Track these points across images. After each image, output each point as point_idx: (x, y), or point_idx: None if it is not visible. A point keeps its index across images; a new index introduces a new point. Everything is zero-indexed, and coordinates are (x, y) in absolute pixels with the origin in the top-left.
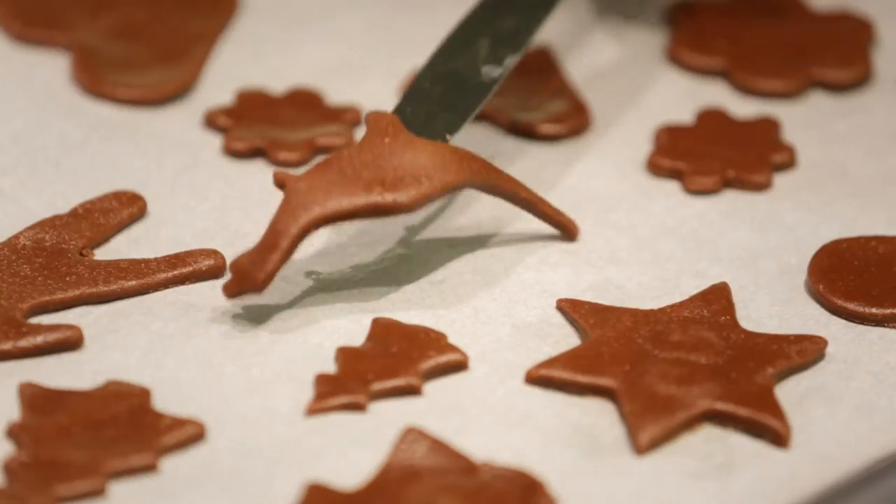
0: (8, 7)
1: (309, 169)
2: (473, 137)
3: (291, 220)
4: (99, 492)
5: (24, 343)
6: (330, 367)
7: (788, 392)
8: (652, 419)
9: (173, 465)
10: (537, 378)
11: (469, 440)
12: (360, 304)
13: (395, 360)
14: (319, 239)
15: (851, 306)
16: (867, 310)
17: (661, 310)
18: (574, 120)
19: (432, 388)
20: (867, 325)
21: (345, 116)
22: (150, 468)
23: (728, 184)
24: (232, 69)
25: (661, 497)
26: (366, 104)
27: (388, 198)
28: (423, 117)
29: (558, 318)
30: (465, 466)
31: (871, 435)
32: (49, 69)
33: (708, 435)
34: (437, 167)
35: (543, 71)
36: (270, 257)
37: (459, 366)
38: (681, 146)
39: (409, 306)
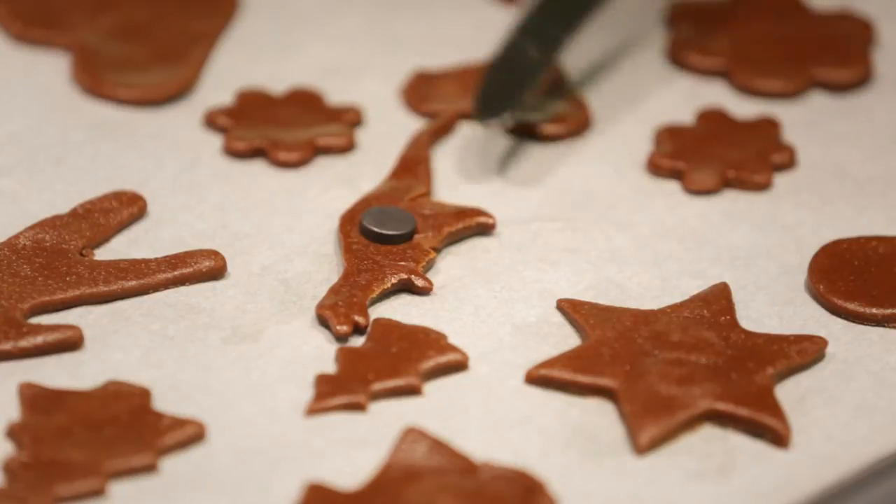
0: (8, 7)
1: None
2: (474, 137)
3: None
4: (99, 492)
5: (24, 343)
6: (330, 368)
7: (788, 392)
8: (652, 419)
9: (173, 465)
10: (537, 378)
11: (469, 440)
12: None
13: (395, 360)
14: (320, 240)
15: (851, 306)
16: (867, 310)
17: (661, 310)
18: (574, 120)
19: (432, 388)
20: (867, 325)
21: (345, 116)
22: (150, 468)
23: (728, 184)
24: (232, 69)
25: (661, 497)
26: (366, 104)
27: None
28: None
29: (558, 318)
30: (465, 466)
31: (871, 435)
32: (49, 69)
33: (708, 435)
34: None
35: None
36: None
37: (459, 366)
38: (681, 146)
39: (409, 306)
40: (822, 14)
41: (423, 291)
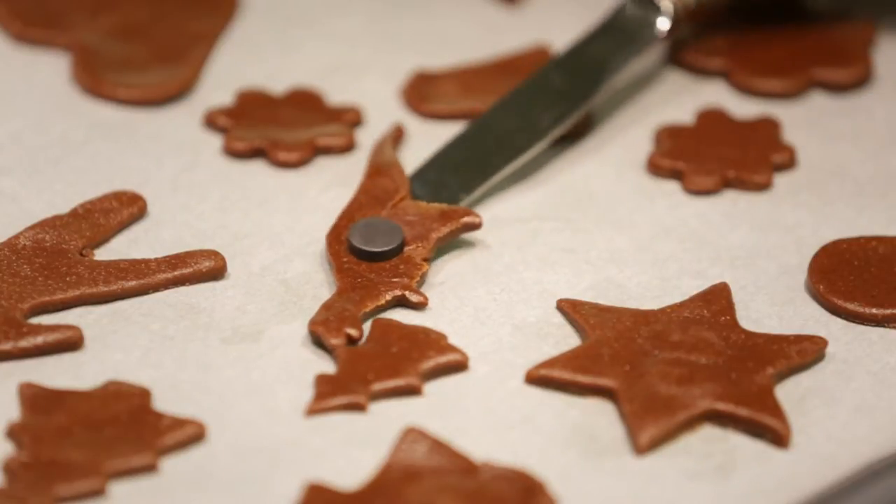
0: (8, 7)
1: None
2: None
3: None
4: (99, 492)
5: (24, 343)
6: (330, 368)
7: (788, 392)
8: (652, 419)
9: (173, 465)
10: (537, 378)
11: (469, 440)
12: None
13: (395, 360)
14: (320, 240)
15: (851, 306)
16: (867, 310)
17: (661, 310)
18: None
19: (432, 388)
20: (867, 325)
21: (345, 116)
22: (150, 468)
23: (728, 184)
24: (232, 69)
25: (661, 497)
26: (366, 104)
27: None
28: (439, 178)
29: (558, 318)
30: (465, 466)
31: (871, 435)
32: (49, 69)
33: (708, 435)
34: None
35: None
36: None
37: (459, 366)
38: (681, 146)
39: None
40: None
41: (418, 307)
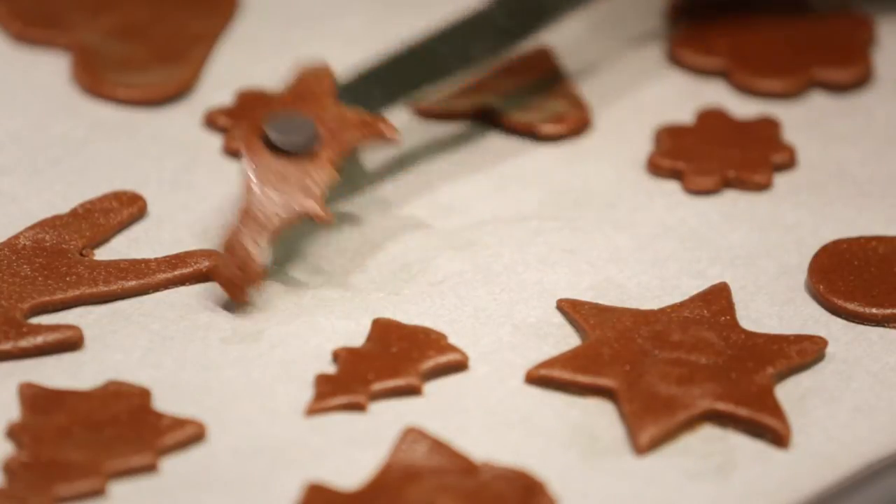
0: (8, 7)
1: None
2: (473, 138)
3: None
4: (99, 492)
5: (24, 343)
6: (330, 368)
7: (788, 392)
8: (652, 419)
9: (173, 465)
10: (537, 378)
11: (469, 440)
12: (361, 305)
13: (395, 360)
14: (320, 240)
15: (851, 306)
16: (867, 310)
17: (661, 310)
18: (574, 120)
19: (432, 388)
20: (867, 325)
21: None
22: (150, 468)
23: (728, 184)
24: (232, 69)
25: (661, 497)
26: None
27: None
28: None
29: (558, 318)
30: (465, 466)
31: (871, 435)
32: (49, 69)
33: (708, 435)
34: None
35: (544, 71)
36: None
37: (459, 366)
38: (681, 146)
39: (409, 306)
40: (822, 14)
41: (324, 224)
